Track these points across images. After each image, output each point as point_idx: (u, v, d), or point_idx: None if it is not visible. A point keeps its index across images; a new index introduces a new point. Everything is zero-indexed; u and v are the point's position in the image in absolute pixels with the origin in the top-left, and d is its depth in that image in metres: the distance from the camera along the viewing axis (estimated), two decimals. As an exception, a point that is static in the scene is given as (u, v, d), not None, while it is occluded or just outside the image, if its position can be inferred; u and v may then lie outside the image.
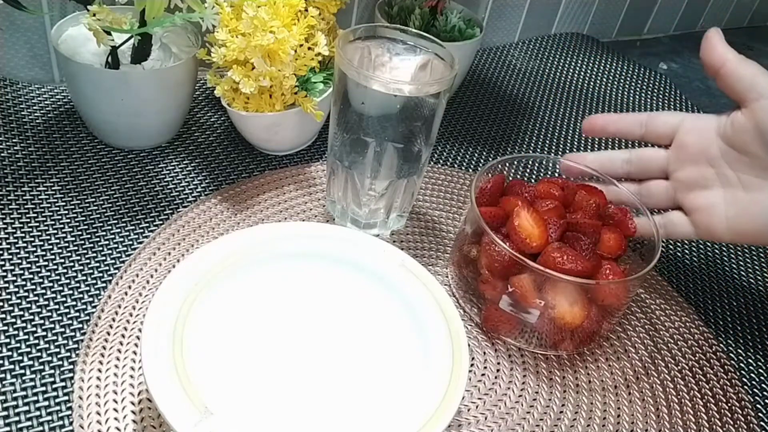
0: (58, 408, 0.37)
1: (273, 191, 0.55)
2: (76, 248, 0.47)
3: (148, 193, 0.53)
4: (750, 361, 0.50)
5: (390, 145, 0.47)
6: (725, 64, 0.45)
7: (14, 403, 0.37)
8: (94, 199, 0.51)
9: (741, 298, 0.56)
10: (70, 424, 0.37)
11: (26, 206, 0.49)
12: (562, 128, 0.74)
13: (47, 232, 0.47)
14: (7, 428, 0.36)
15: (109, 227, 0.49)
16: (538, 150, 0.69)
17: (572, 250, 0.42)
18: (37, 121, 0.57)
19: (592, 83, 0.85)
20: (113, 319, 0.42)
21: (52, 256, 0.46)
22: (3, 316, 0.41)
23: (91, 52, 0.53)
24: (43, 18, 0.59)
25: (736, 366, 0.49)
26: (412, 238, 0.54)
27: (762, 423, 0.45)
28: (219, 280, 0.40)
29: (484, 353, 0.46)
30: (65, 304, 0.43)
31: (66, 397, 0.38)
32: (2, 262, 0.44)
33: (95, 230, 0.48)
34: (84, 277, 0.45)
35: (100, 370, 0.39)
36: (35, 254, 0.45)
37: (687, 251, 0.60)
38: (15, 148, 0.54)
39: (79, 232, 0.48)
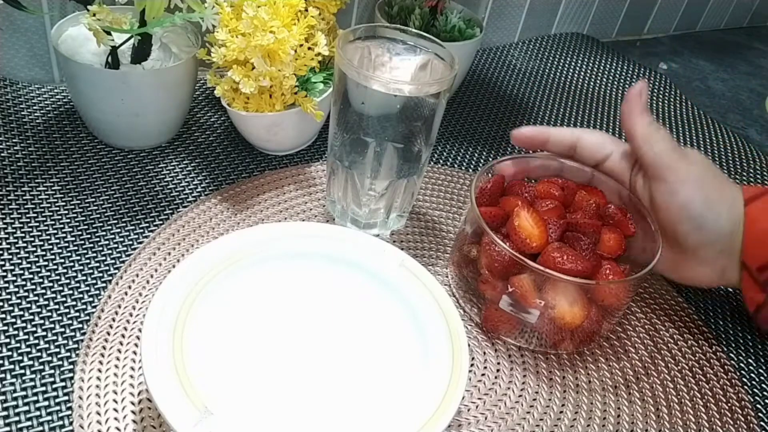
0: (58, 408, 0.37)
1: (273, 191, 0.55)
2: (76, 248, 0.47)
3: (148, 193, 0.53)
4: (750, 361, 0.50)
5: (390, 145, 0.47)
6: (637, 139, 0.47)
7: (14, 403, 0.37)
8: (94, 199, 0.51)
9: (741, 298, 0.56)
10: (70, 424, 0.37)
11: (26, 206, 0.49)
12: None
13: (47, 232, 0.47)
14: (7, 428, 0.36)
15: (109, 227, 0.49)
16: (538, 150, 0.69)
17: (572, 250, 0.42)
18: (37, 121, 0.57)
19: (592, 83, 0.85)
20: (113, 319, 0.42)
21: (52, 256, 0.46)
22: (3, 316, 0.41)
23: (91, 52, 0.53)
24: (43, 18, 0.59)
25: (736, 366, 0.49)
26: (412, 238, 0.54)
27: (762, 423, 0.45)
28: (219, 280, 0.40)
29: (484, 353, 0.46)
30: (65, 304, 0.43)
31: (66, 397, 0.38)
32: (2, 262, 0.44)
33: (95, 230, 0.48)
34: (84, 277, 0.45)
35: (100, 370, 0.39)
36: (35, 254, 0.45)
37: (687, 251, 0.60)
38: (15, 148, 0.54)
39: (79, 232, 0.48)
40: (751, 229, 0.46)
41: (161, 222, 0.50)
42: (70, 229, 0.48)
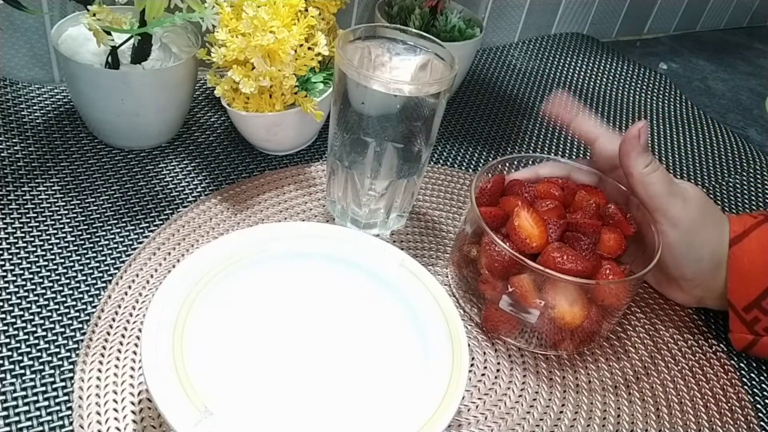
0: (58, 408, 0.37)
1: (273, 191, 0.55)
2: (76, 248, 0.47)
3: (148, 193, 0.53)
4: (750, 361, 0.50)
5: (390, 145, 0.47)
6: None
7: (14, 403, 0.37)
8: (94, 199, 0.51)
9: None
10: (70, 424, 0.37)
11: (26, 206, 0.49)
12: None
13: (47, 232, 0.47)
14: (7, 428, 0.36)
15: (109, 227, 0.49)
16: (538, 150, 0.69)
17: (572, 250, 0.42)
18: (37, 121, 0.57)
19: (592, 83, 0.85)
20: (113, 319, 0.42)
21: (52, 256, 0.46)
22: (3, 316, 0.41)
23: (91, 52, 0.53)
24: (43, 18, 0.59)
25: (736, 366, 0.49)
26: (412, 238, 0.54)
27: (762, 423, 0.45)
28: (219, 280, 0.40)
29: (484, 353, 0.46)
30: (65, 304, 0.43)
31: (66, 397, 0.38)
32: (2, 262, 0.44)
33: (95, 230, 0.48)
34: (84, 277, 0.45)
35: (100, 370, 0.39)
36: (35, 254, 0.45)
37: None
38: (15, 148, 0.54)
39: (79, 232, 0.48)
40: (735, 270, 0.47)
41: (161, 222, 0.50)
42: (70, 229, 0.48)
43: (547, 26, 0.95)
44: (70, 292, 0.44)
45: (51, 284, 0.44)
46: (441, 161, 0.64)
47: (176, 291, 0.38)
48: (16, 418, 0.36)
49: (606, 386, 0.46)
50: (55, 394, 0.38)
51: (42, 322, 0.41)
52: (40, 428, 0.36)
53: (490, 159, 0.66)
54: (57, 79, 0.63)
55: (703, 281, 0.49)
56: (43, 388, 0.38)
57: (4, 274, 0.44)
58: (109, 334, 0.41)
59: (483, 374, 0.45)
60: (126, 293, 0.44)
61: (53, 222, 0.48)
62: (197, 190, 0.54)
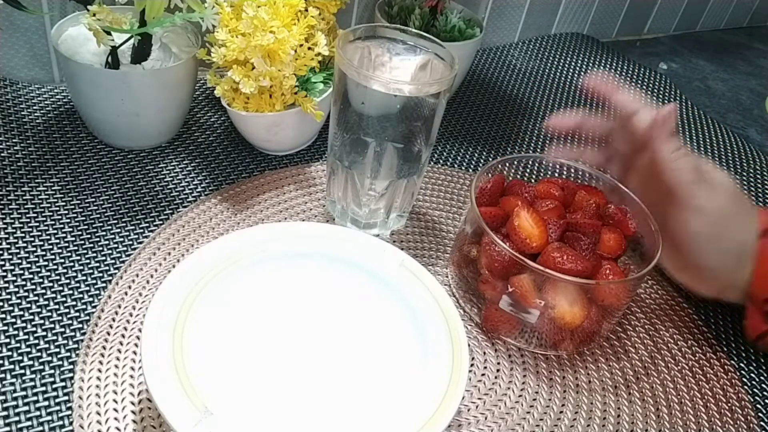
0: (58, 408, 0.37)
1: (273, 191, 0.55)
2: (76, 248, 0.47)
3: (148, 193, 0.53)
4: (750, 361, 0.50)
5: (390, 145, 0.47)
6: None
7: (14, 403, 0.37)
8: (94, 199, 0.51)
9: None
10: (70, 424, 0.37)
11: (26, 206, 0.49)
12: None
13: (47, 232, 0.47)
14: (7, 428, 0.36)
15: (109, 227, 0.49)
16: (538, 150, 0.69)
17: (572, 250, 0.42)
18: (37, 121, 0.57)
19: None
20: (113, 319, 0.42)
21: (52, 256, 0.46)
22: (3, 316, 0.41)
23: (91, 52, 0.53)
24: (43, 18, 0.59)
25: (736, 366, 0.49)
26: (412, 238, 0.54)
27: (762, 423, 0.45)
28: (219, 280, 0.40)
29: (484, 353, 0.46)
30: (65, 304, 0.43)
31: (66, 397, 0.38)
32: (2, 262, 0.44)
33: (95, 230, 0.48)
34: (84, 277, 0.45)
35: (100, 370, 0.39)
36: (35, 254, 0.45)
37: (687, 251, 0.60)
38: (15, 148, 0.54)
39: (79, 232, 0.48)
40: (763, 262, 0.46)
41: (161, 222, 0.50)
42: (70, 229, 0.48)
43: (547, 26, 0.95)
44: (70, 292, 0.44)
45: (51, 284, 0.44)
46: (441, 161, 0.64)
47: (176, 291, 0.38)
48: (16, 418, 0.36)
49: (606, 386, 0.46)
50: (55, 394, 0.38)
51: (42, 322, 0.41)
52: (40, 428, 0.36)
53: (490, 159, 0.66)
54: (57, 79, 0.63)
55: (727, 272, 0.47)
56: (43, 388, 0.38)
57: (4, 274, 0.44)
58: (109, 334, 0.41)
59: (483, 374, 0.45)
60: (126, 293, 0.44)
61: (53, 222, 0.48)
62: (197, 190, 0.54)
